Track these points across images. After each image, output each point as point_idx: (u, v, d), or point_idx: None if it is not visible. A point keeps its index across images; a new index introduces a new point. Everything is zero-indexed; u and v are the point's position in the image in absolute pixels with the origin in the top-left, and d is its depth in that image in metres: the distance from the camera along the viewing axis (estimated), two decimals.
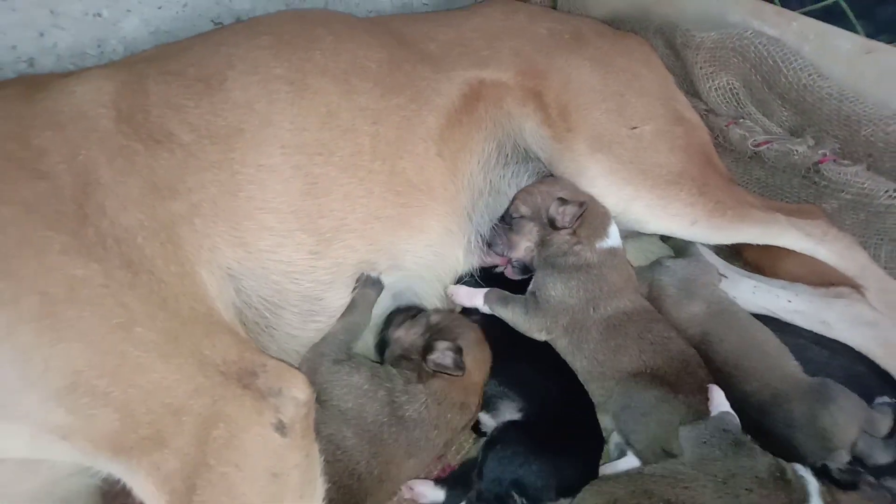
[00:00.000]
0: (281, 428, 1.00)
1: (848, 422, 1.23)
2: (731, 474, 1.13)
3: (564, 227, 1.43)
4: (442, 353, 1.24)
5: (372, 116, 1.37)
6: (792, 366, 1.36)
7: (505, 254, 1.47)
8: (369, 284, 1.34)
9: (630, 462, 1.28)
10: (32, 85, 1.21)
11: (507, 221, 1.47)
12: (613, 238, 1.46)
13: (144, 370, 0.98)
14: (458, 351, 1.24)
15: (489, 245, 1.48)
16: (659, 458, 1.22)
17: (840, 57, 1.63)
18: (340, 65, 1.38)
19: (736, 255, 1.72)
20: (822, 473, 1.16)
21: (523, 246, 1.46)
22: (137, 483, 0.95)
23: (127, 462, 0.94)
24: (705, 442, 1.18)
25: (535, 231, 1.45)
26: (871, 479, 1.19)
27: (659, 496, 1.09)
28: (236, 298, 1.20)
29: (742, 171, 1.81)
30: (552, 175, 1.54)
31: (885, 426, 1.26)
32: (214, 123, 1.23)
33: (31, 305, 0.96)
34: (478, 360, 1.30)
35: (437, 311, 1.36)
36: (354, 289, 1.33)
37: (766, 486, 1.12)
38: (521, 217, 1.46)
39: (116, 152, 1.14)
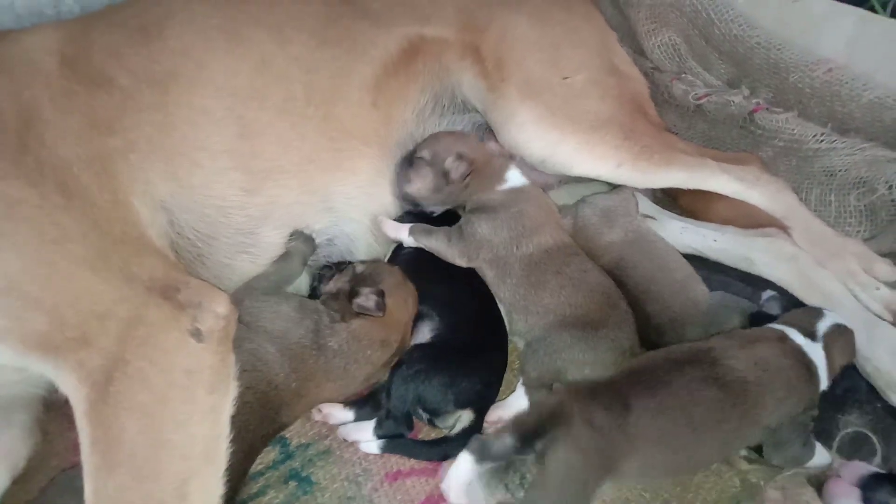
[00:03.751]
0: (197, 334, 1.10)
1: None
2: None
3: (454, 182, 1.51)
4: (366, 297, 1.32)
5: (306, 65, 1.45)
6: (698, 291, 1.43)
7: (401, 187, 1.55)
8: (302, 239, 1.44)
9: (519, 398, 1.34)
10: None
11: (410, 159, 1.55)
12: (513, 179, 1.54)
13: (73, 280, 1.08)
14: (381, 294, 1.33)
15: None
16: (543, 388, 1.32)
17: (769, 6, 1.68)
18: (275, 16, 1.47)
19: (673, 202, 1.79)
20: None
21: (416, 185, 1.53)
22: (62, 378, 1.04)
23: (55, 360, 1.04)
24: None
25: (430, 176, 1.52)
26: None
27: None
28: (170, 229, 1.30)
29: (687, 125, 1.86)
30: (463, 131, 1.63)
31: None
32: (151, 69, 1.33)
33: None
34: (398, 302, 1.37)
35: (361, 262, 1.45)
36: (289, 241, 1.43)
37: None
38: (421, 158, 1.53)
39: (58, 93, 1.25)
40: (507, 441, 1.10)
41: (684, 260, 1.52)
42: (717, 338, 1.28)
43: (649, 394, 1.13)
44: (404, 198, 1.56)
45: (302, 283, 1.48)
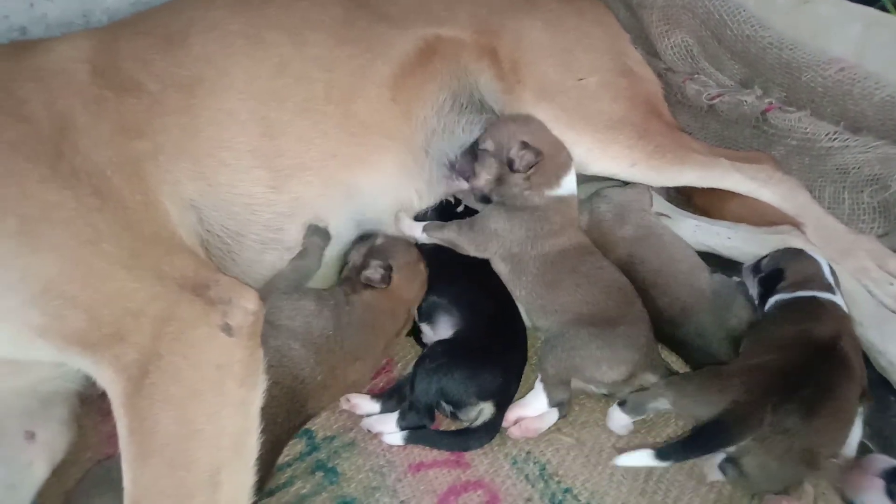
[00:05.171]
0: (227, 329, 1.14)
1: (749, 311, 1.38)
2: None
3: (519, 172, 1.50)
4: (374, 270, 1.40)
5: (325, 65, 1.49)
6: (702, 279, 1.46)
7: (467, 179, 1.55)
8: (318, 233, 1.48)
9: (538, 395, 1.36)
10: (21, 47, 1.38)
11: (473, 151, 1.55)
12: (565, 188, 1.53)
13: (108, 279, 1.12)
14: (388, 268, 1.40)
15: (453, 167, 1.57)
16: (560, 385, 1.34)
17: (779, 8, 1.70)
18: (293, 19, 1.52)
19: (687, 200, 1.82)
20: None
21: (483, 177, 1.53)
22: (100, 373, 1.08)
23: (92, 356, 1.08)
24: None
25: (495, 167, 1.52)
26: None
27: None
28: (199, 227, 1.35)
29: (700, 125, 1.89)
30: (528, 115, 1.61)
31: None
32: (178, 74, 1.38)
33: (11, 224, 1.11)
34: (405, 278, 1.44)
35: (384, 235, 1.51)
36: (305, 237, 1.47)
37: None
38: (485, 150, 1.53)
39: (90, 100, 1.29)
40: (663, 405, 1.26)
41: (690, 249, 1.55)
42: (816, 326, 1.30)
43: (830, 398, 1.18)
44: (472, 192, 1.57)
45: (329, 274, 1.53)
